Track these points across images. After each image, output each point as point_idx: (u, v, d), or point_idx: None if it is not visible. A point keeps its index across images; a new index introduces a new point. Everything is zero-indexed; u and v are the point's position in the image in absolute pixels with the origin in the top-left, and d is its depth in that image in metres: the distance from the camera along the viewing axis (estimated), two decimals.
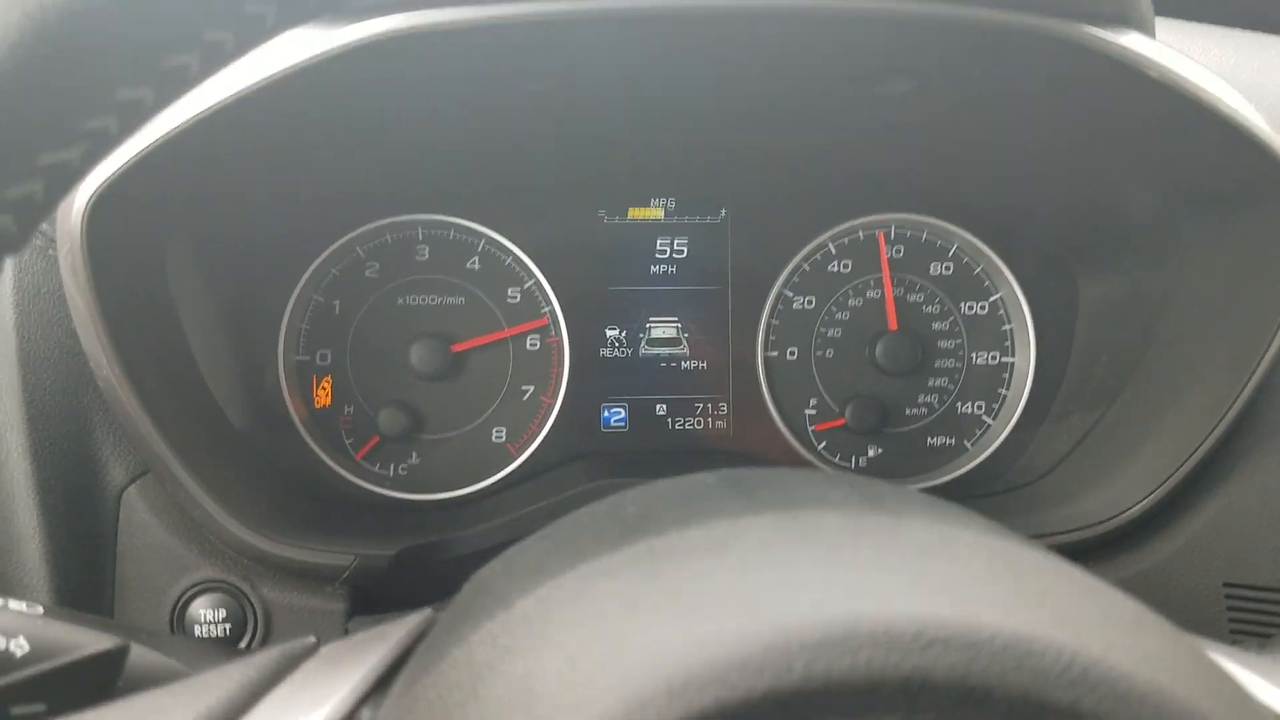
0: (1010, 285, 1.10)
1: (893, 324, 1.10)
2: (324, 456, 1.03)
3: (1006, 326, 1.11)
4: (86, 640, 0.55)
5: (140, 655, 0.54)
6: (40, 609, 0.56)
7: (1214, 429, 0.86)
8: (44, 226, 0.83)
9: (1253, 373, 0.83)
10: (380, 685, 0.47)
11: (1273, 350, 0.82)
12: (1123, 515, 0.88)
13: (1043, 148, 0.94)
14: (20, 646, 0.53)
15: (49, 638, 0.54)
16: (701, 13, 0.70)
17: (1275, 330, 0.81)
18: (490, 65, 0.80)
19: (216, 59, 0.39)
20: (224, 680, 0.48)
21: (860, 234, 1.11)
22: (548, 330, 1.08)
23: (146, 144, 0.70)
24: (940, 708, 0.30)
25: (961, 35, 0.75)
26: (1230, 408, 0.86)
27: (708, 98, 0.93)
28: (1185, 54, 0.77)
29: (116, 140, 0.38)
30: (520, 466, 1.06)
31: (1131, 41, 0.73)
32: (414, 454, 1.06)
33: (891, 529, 0.39)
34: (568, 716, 0.32)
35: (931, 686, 0.30)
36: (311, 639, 0.54)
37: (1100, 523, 0.88)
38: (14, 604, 0.56)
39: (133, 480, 0.84)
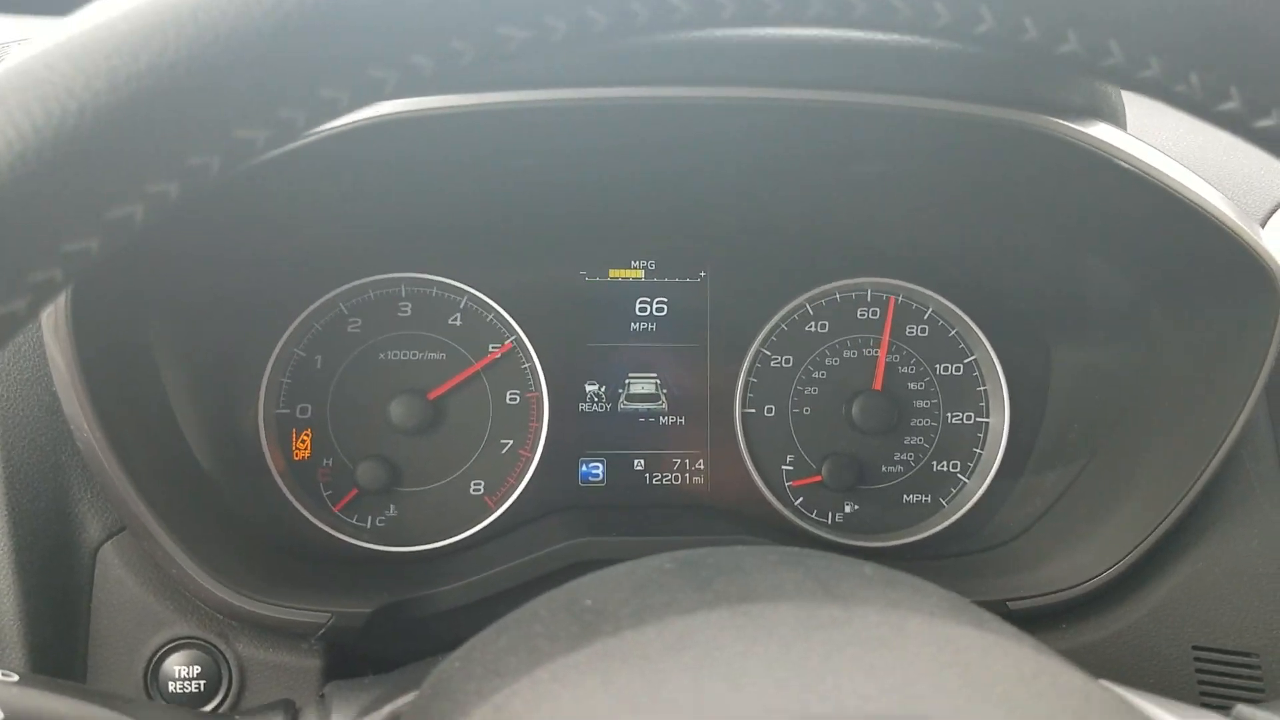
0: (985, 348, 1.12)
1: (878, 384, 1.12)
2: (301, 509, 1.03)
3: (981, 388, 1.13)
4: (62, 709, 0.55)
5: None
6: (15, 676, 0.56)
7: (1182, 498, 0.88)
8: None
9: (1219, 447, 0.85)
10: None
11: (1237, 428, 0.84)
12: (1093, 580, 0.90)
13: (1015, 228, 0.97)
14: None
15: (24, 707, 0.54)
16: (680, 103, 0.73)
17: (1240, 409, 0.84)
18: (477, 145, 0.83)
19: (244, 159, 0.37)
20: None
21: (837, 296, 1.13)
22: (527, 383, 1.09)
23: None
24: None
25: (935, 125, 0.77)
26: (1198, 478, 0.88)
27: (688, 173, 0.95)
28: (1153, 140, 0.79)
29: (139, 228, 0.36)
30: (498, 519, 1.07)
31: (1101, 133, 0.76)
32: (392, 506, 1.06)
33: (844, 620, 0.40)
34: None
35: None
36: (280, 716, 0.54)
37: (1070, 588, 0.90)
38: None
39: (109, 537, 0.84)
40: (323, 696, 0.64)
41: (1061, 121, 0.76)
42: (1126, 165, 0.77)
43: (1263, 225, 0.94)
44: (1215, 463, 0.86)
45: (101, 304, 0.77)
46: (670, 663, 0.37)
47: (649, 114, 0.80)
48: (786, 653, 0.37)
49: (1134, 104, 0.82)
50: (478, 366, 1.07)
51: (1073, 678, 0.38)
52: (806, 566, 0.47)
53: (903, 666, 0.37)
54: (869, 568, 0.47)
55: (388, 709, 0.51)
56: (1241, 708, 0.54)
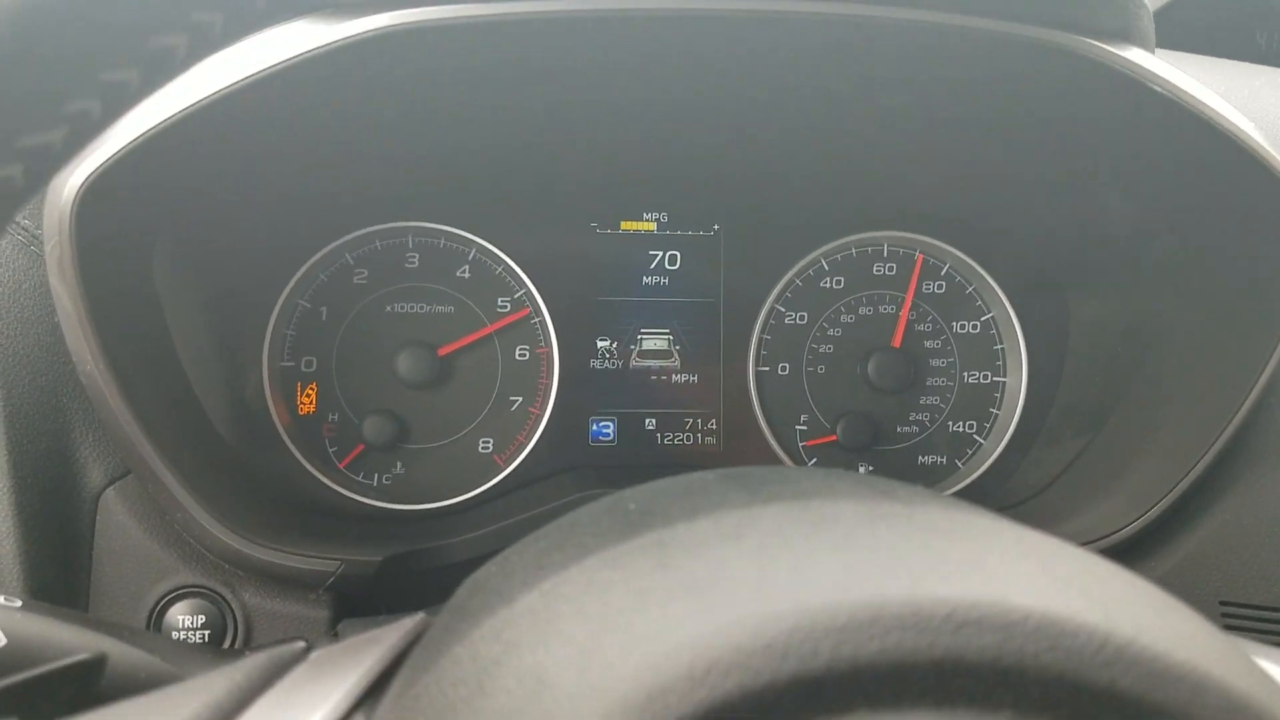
0: (1002, 304, 1.09)
1: (897, 341, 1.10)
2: (307, 465, 1.01)
3: (998, 346, 1.11)
4: (65, 635, 0.53)
5: (123, 654, 0.52)
6: (18, 602, 0.54)
7: (1208, 450, 0.86)
8: (26, 221, 0.81)
9: (1248, 393, 0.83)
10: (374, 689, 0.45)
11: (1269, 370, 0.82)
12: (1115, 534, 0.88)
13: (1036, 163, 0.94)
14: None
15: (26, 632, 0.52)
16: (695, 14, 0.69)
17: (1272, 350, 0.81)
18: (484, 67, 0.80)
19: (205, 42, 0.37)
20: (211, 685, 0.46)
21: (853, 251, 1.11)
22: (536, 338, 1.07)
23: (135, 136, 0.69)
24: (973, 692, 0.29)
25: (965, 45, 0.75)
26: (1224, 429, 0.85)
27: (703, 109, 0.92)
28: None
29: (100, 125, 0.36)
30: (506, 478, 1.04)
31: (1135, 56, 0.73)
32: (399, 463, 1.04)
33: (908, 515, 0.38)
34: (583, 704, 0.30)
35: (964, 670, 0.29)
36: (301, 643, 0.52)
37: (1092, 541, 0.88)
38: None
39: (111, 482, 0.81)
40: (335, 635, 0.61)
41: (1095, 43, 0.74)
42: (1159, 89, 0.74)
43: None
44: (1242, 413, 0.84)
45: (107, 240, 0.75)
46: (731, 548, 0.35)
47: (664, 27, 0.76)
48: (854, 539, 0.35)
49: (1160, 59, 0.80)
50: (491, 329, 1.05)
51: (1148, 587, 0.37)
52: (858, 477, 0.45)
53: (977, 556, 0.35)
54: (924, 488, 0.45)
55: (417, 615, 0.49)
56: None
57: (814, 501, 0.39)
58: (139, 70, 0.35)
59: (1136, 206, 0.92)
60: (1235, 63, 1.10)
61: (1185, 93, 0.74)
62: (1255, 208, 0.80)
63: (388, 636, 0.47)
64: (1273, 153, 0.76)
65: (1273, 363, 0.82)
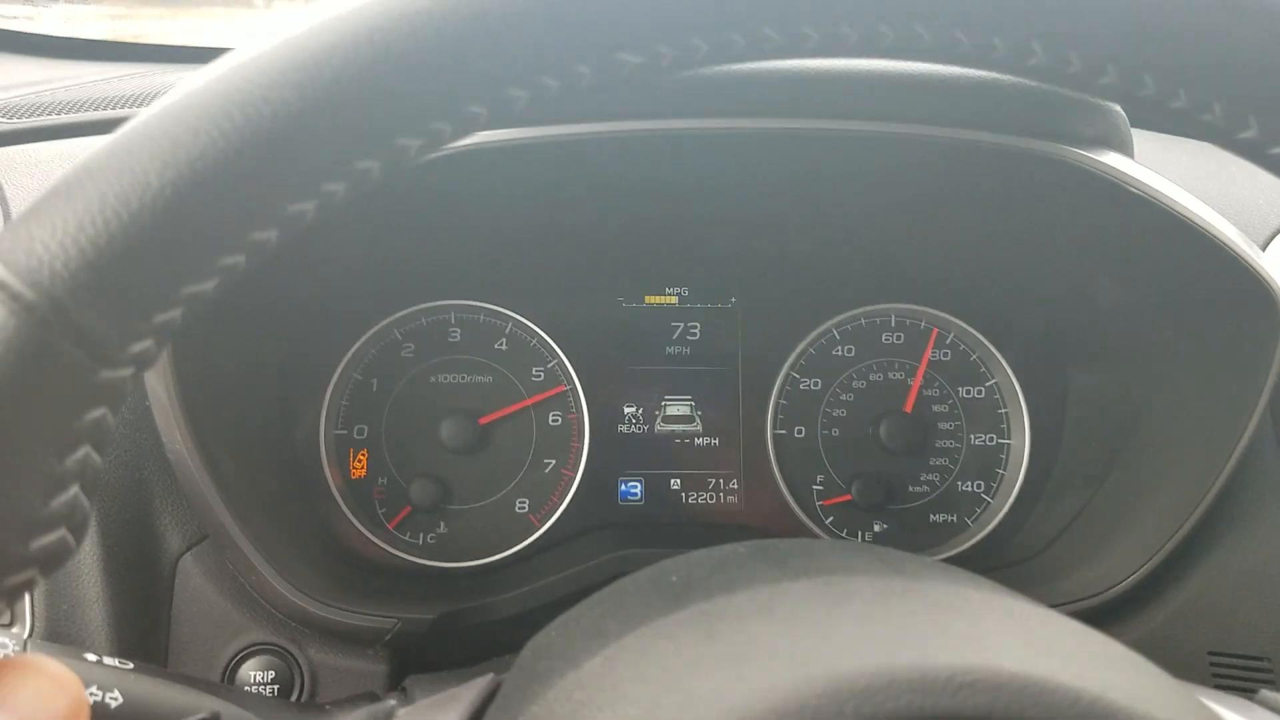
0: (1005, 371, 1.17)
1: (909, 406, 1.17)
2: (359, 525, 1.08)
3: (1002, 410, 1.18)
4: (173, 695, 0.61)
5: (231, 713, 0.60)
6: (131, 664, 0.62)
7: (1195, 509, 0.92)
8: None
9: (1228, 460, 0.90)
10: None
11: (1244, 441, 0.89)
12: (1113, 589, 0.95)
13: (1032, 251, 1.02)
14: (114, 699, 0.59)
15: (140, 691, 0.60)
16: (716, 134, 0.80)
17: (1246, 424, 0.89)
18: (528, 178, 0.89)
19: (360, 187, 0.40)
20: None
21: (863, 321, 1.19)
22: (568, 405, 1.15)
23: None
24: None
25: (953, 155, 0.84)
26: (1209, 491, 0.92)
27: (720, 203, 1.02)
28: (1160, 169, 0.86)
29: (310, 220, 0.39)
30: (542, 536, 1.12)
31: (1112, 160, 0.82)
32: (442, 523, 1.11)
33: (915, 590, 0.45)
34: None
35: None
36: (391, 702, 0.60)
37: (1091, 596, 0.94)
38: (107, 660, 0.61)
39: (189, 548, 0.89)
40: (403, 689, 0.69)
41: (1076, 150, 0.83)
42: (1136, 190, 0.83)
43: (1263, 248, 0.99)
44: (1225, 475, 0.91)
45: (195, 324, 0.83)
46: (764, 623, 0.43)
47: (688, 145, 0.88)
48: (869, 613, 0.43)
49: (1141, 138, 0.88)
50: (529, 402, 1.13)
51: (1118, 650, 0.44)
52: (872, 551, 0.52)
53: (971, 628, 0.42)
54: (928, 559, 0.52)
55: (489, 676, 0.56)
56: (1266, 692, 0.59)
57: (835, 577, 0.46)
58: (280, 230, 0.38)
59: (1125, 290, 1.00)
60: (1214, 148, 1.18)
61: (1161, 194, 0.82)
62: (1231, 294, 0.87)
63: (465, 695, 0.54)
64: (1244, 247, 0.84)
65: (1250, 428, 0.89)
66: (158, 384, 0.80)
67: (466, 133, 0.40)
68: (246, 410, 0.95)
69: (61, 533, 0.35)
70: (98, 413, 0.35)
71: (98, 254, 0.33)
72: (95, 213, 0.33)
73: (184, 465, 0.81)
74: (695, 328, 1.18)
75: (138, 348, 0.36)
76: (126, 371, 0.36)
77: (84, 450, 0.35)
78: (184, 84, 0.37)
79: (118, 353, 0.35)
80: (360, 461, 1.11)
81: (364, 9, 0.37)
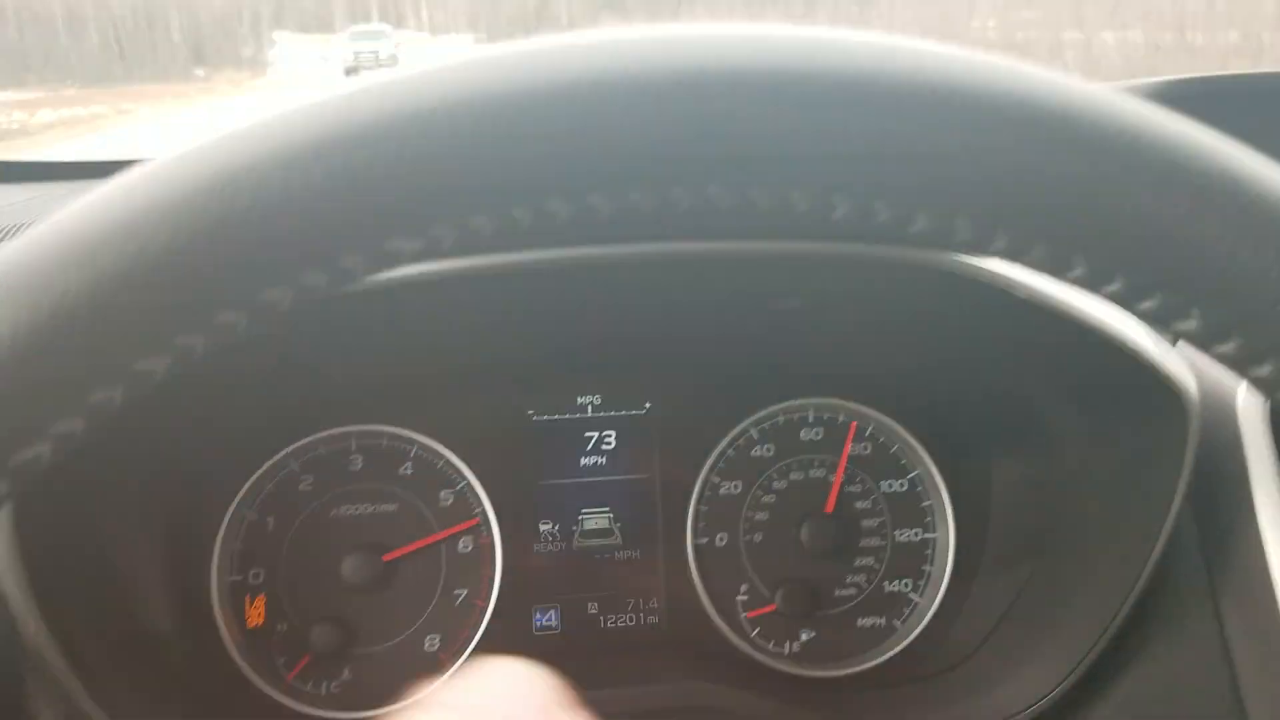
0: (926, 463, 1.14)
1: (830, 506, 1.13)
2: (256, 680, 1.02)
3: (926, 503, 1.15)
4: None
5: None
6: None
7: (1117, 615, 0.90)
8: None
9: (1146, 563, 0.87)
10: None
11: (1160, 545, 0.86)
12: (1041, 701, 0.91)
13: (942, 346, 1.00)
14: None
15: None
16: (617, 260, 0.79)
17: (1162, 526, 0.86)
18: (433, 305, 0.86)
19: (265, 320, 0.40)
20: None
21: (780, 419, 1.15)
22: (479, 529, 1.10)
23: None
24: None
25: (851, 266, 0.81)
26: (1129, 595, 0.90)
27: (629, 315, 0.99)
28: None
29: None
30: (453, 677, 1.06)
31: (997, 265, 0.80)
32: (346, 670, 1.05)
33: None
34: None
35: None
36: None
37: (1021, 711, 0.91)
38: None
39: None
40: None
41: (959, 259, 0.81)
42: (1024, 295, 0.81)
43: (1174, 344, 0.97)
44: (1144, 580, 0.88)
45: (45, 494, 0.78)
46: None
47: (590, 271, 0.85)
48: None
49: None
50: (438, 537, 1.08)
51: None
52: None
53: None
54: None
55: None
56: None
57: None
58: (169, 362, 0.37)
59: (1036, 385, 0.98)
60: None
61: (1051, 297, 0.80)
62: (1140, 392, 0.85)
63: None
64: (1148, 346, 0.82)
65: (1166, 528, 0.87)
66: (4, 568, 0.74)
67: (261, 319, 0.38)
68: (119, 574, 0.89)
69: None
70: None
71: None
72: None
73: (40, 654, 0.75)
74: (610, 436, 1.14)
75: None
76: None
77: None
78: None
79: None
80: (257, 609, 1.05)
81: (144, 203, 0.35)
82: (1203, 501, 0.91)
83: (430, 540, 1.08)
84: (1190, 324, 0.39)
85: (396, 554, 1.07)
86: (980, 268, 0.80)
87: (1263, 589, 0.84)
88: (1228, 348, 0.39)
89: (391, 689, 1.05)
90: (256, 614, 1.05)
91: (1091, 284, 0.40)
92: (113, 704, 0.78)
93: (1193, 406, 0.84)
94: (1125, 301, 0.40)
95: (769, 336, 1.09)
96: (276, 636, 1.05)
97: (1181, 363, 0.86)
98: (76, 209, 0.36)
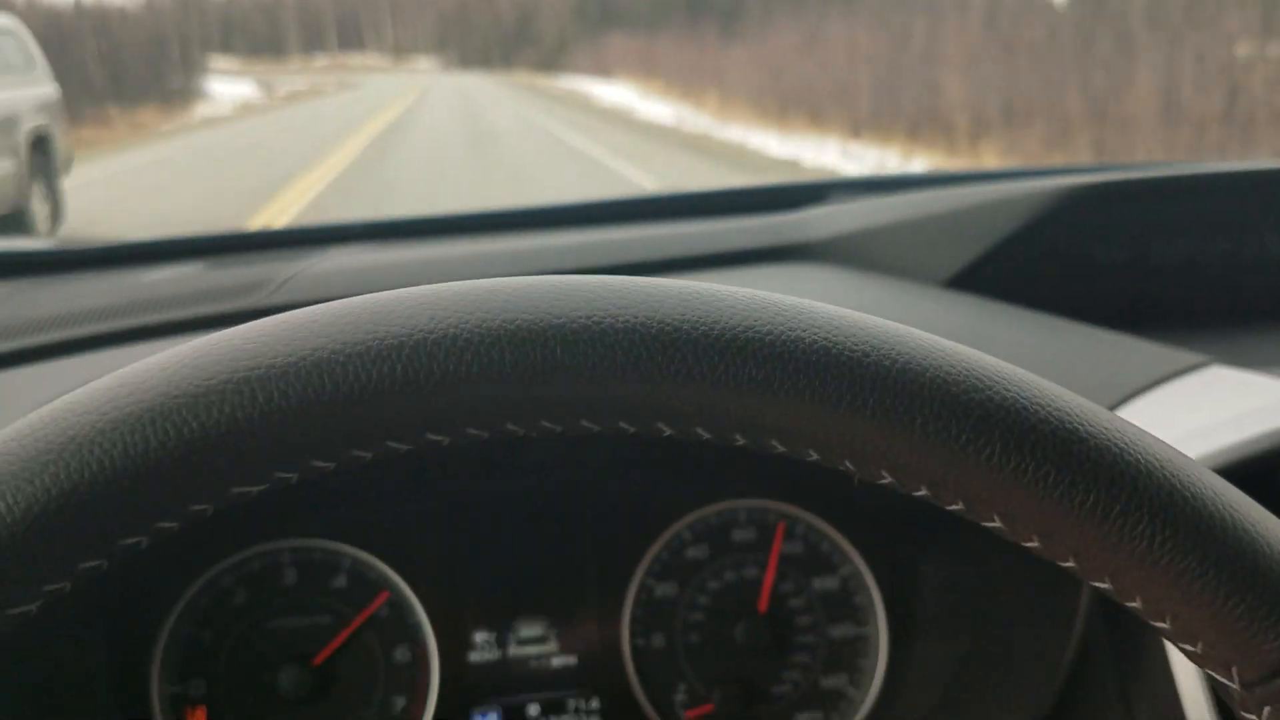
0: (854, 560, 1.16)
1: (763, 605, 1.15)
2: None
3: (858, 598, 1.16)
4: None
5: None
6: None
7: (1041, 708, 0.91)
8: None
9: (1059, 670, 0.89)
10: None
11: (1070, 652, 0.89)
12: None
13: None
14: None
15: None
16: None
17: (1072, 632, 0.88)
18: None
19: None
20: None
21: (713, 520, 1.17)
22: (415, 638, 1.11)
23: None
24: None
25: None
26: (1050, 689, 0.91)
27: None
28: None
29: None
30: None
31: None
32: None
33: None
34: None
35: None
36: None
37: None
38: None
39: None
40: None
41: None
42: None
43: None
44: (1059, 681, 0.90)
45: None
46: None
47: None
48: None
49: None
50: (354, 626, 1.10)
51: None
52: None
53: None
54: None
55: None
56: None
57: None
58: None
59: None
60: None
61: None
62: None
63: None
64: None
65: (1074, 641, 0.89)
66: None
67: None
68: (64, 687, 0.91)
69: None
70: None
71: None
72: None
73: None
74: (545, 538, 1.16)
75: None
76: None
77: None
78: None
79: None
80: (199, 719, 1.06)
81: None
82: (1110, 606, 0.93)
83: (349, 631, 1.09)
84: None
85: (324, 655, 1.08)
86: None
87: (1169, 694, 0.86)
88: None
89: None
90: None
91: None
92: None
93: None
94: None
95: (697, 445, 1.12)
96: None
97: None
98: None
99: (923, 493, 0.45)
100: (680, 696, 1.14)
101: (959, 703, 1.06)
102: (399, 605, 1.12)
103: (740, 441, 0.46)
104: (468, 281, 0.47)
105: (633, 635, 1.15)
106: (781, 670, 1.15)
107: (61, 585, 0.43)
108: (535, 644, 1.14)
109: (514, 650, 1.13)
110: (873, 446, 0.44)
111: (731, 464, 1.17)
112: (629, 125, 24.51)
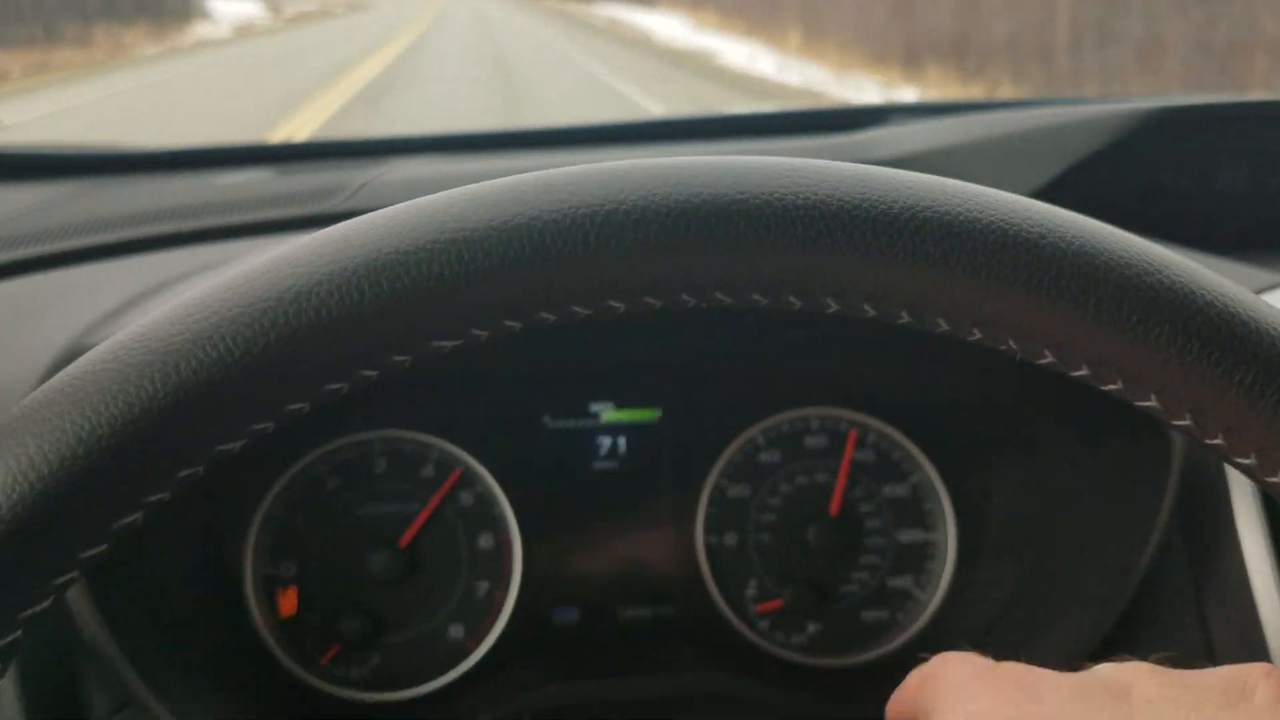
0: (926, 469, 1.19)
1: (834, 509, 1.19)
2: (291, 665, 1.08)
3: (927, 506, 1.20)
4: None
5: None
6: None
7: (1106, 622, 0.95)
8: None
9: (1135, 573, 0.93)
10: None
11: (1147, 555, 0.92)
12: None
13: (938, 361, 1.05)
14: None
15: None
16: None
17: (1149, 538, 0.91)
18: None
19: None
20: None
21: (786, 426, 1.20)
22: (500, 528, 1.15)
23: None
24: None
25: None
26: (1120, 603, 0.95)
27: (640, 326, 1.04)
28: None
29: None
30: (477, 663, 1.12)
31: None
32: (375, 655, 1.11)
33: None
34: None
35: None
36: None
37: None
38: None
39: (114, 712, 0.89)
40: None
41: None
42: None
43: None
44: (1133, 584, 0.94)
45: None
46: None
47: None
48: None
49: None
50: (433, 503, 1.14)
51: None
52: None
53: None
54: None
55: None
56: None
57: None
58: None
59: (1032, 395, 1.03)
60: None
61: None
62: (1127, 403, 0.90)
63: None
64: None
65: (1152, 545, 0.92)
66: None
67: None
68: (165, 564, 0.95)
69: None
70: None
71: None
72: None
73: (96, 645, 0.81)
74: (622, 442, 1.20)
75: (28, 613, 0.40)
76: (18, 633, 0.40)
77: None
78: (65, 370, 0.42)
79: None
80: (289, 599, 1.11)
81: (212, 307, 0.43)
82: (1187, 514, 0.96)
83: (430, 508, 1.13)
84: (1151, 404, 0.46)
85: (409, 535, 1.12)
86: None
87: (1244, 598, 0.89)
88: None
89: (418, 673, 1.11)
90: (288, 604, 1.10)
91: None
92: (163, 689, 0.84)
93: None
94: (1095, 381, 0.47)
95: (777, 348, 1.15)
96: (308, 625, 1.10)
97: None
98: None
99: (1082, 372, 0.47)
100: (751, 592, 1.18)
101: (1027, 608, 1.09)
102: (484, 496, 1.15)
103: (904, 319, 0.48)
104: (649, 159, 0.49)
105: (706, 533, 1.18)
106: (850, 571, 1.19)
107: (266, 426, 0.47)
108: (612, 537, 1.18)
109: (593, 541, 1.17)
110: (1041, 325, 0.46)
111: (804, 373, 1.20)
112: (722, 79, 16.94)
